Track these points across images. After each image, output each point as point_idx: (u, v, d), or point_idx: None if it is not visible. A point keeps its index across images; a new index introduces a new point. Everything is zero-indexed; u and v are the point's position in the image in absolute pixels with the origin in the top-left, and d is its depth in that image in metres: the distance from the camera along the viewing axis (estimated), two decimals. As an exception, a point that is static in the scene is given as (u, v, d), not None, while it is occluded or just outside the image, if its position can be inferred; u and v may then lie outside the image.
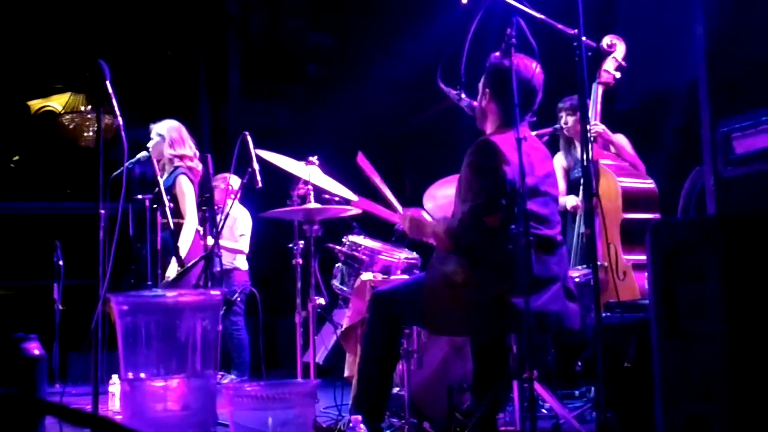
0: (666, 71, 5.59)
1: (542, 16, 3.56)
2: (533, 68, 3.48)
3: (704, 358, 2.63)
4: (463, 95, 3.79)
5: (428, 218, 3.70)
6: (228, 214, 4.72)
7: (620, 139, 5.14)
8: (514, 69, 3.31)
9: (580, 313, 3.59)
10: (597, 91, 4.99)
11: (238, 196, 5.49)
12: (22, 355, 3.15)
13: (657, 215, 4.87)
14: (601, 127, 4.98)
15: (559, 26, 3.52)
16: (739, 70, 3.04)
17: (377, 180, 3.90)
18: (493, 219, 3.34)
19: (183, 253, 5.12)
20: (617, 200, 4.82)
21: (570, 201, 5.14)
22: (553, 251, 3.44)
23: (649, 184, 4.96)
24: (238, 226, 6.78)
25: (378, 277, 4.31)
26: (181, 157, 5.46)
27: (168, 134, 5.46)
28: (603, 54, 4.99)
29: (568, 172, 5.36)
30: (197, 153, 5.57)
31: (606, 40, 4.99)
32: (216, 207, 4.72)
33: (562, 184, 5.28)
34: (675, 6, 5.09)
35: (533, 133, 3.91)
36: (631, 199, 4.84)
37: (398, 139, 9.74)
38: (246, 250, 6.80)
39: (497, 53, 3.55)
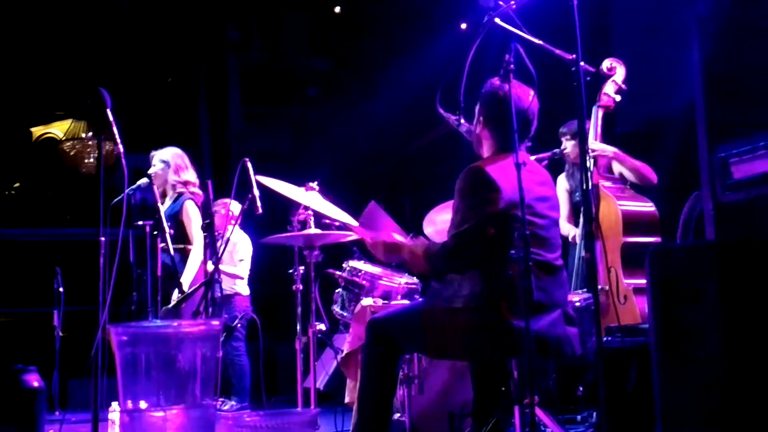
0: (663, 96, 5.60)
1: (540, 42, 3.57)
2: (528, 97, 3.48)
3: (704, 383, 2.63)
4: (462, 120, 3.79)
5: (400, 239, 3.66)
6: (228, 240, 4.73)
7: (616, 151, 5.07)
8: (513, 97, 3.32)
9: (581, 337, 3.58)
10: (597, 115, 4.99)
11: (239, 221, 5.50)
12: (22, 387, 3.14)
13: (658, 239, 4.84)
14: (598, 146, 4.94)
15: (557, 51, 3.53)
16: (736, 96, 3.05)
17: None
18: (475, 248, 3.33)
19: (191, 276, 5.12)
20: (618, 224, 4.79)
21: (573, 231, 5.13)
22: (552, 276, 3.43)
23: (649, 207, 4.94)
24: (238, 251, 6.77)
25: (378, 303, 4.31)
26: (185, 183, 5.48)
27: (173, 161, 5.48)
28: (603, 77, 4.99)
29: (571, 194, 5.35)
30: (197, 180, 5.59)
31: (606, 64, 5.00)
32: (217, 233, 4.72)
33: (566, 208, 5.27)
34: (670, 31, 5.12)
35: (533, 158, 3.91)
36: (632, 223, 4.81)
37: (398, 163, 9.76)
38: (245, 275, 6.79)
39: (493, 79, 3.56)
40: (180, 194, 5.46)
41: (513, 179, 3.22)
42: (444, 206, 4.54)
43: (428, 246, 3.48)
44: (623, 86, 4.99)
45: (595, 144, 4.95)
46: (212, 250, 4.66)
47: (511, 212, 3.26)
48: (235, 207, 5.69)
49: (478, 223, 3.31)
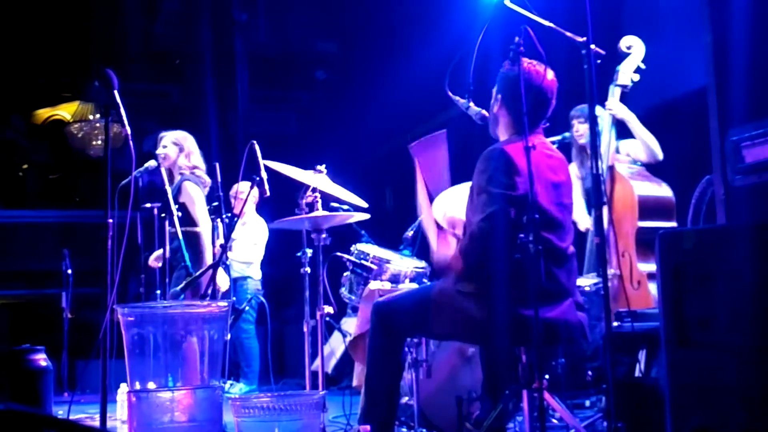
0: (674, 80, 5.55)
1: (551, 24, 3.54)
2: (544, 74, 3.44)
3: (713, 368, 2.61)
4: (470, 104, 3.77)
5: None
6: (241, 221, 4.72)
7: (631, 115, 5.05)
8: (525, 76, 3.28)
9: (591, 322, 3.56)
10: (614, 94, 4.89)
11: (255, 203, 5.48)
12: (29, 366, 3.15)
13: (674, 223, 4.73)
14: (615, 105, 4.88)
15: (568, 34, 3.49)
16: (749, 79, 3.02)
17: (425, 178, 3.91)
18: (502, 231, 3.28)
19: (208, 259, 5.10)
20: (633, 208, 4.70)
21: (585, 222, 5.09)
22: (563, 265, 3.38)
23: (665, 190, 4.83)
24: (253, 235, 6.78)
25: (386, 286, 4.30)
26: (193, 168, 5.47)
27: (186, 145, 5.48)
28: (621, 56, 4.90)
29: (583, 181, 5.29)
30: (204, 165, 5.59)
31: (624, 42, 4.88)
32: (233, 216, 4.71)
33: (578, 194, 5.22)
34: (683, 14, 5.07)
35: (549, 140, 3.86)
36: (648, 207, 4.70)
37: (406, 146, 9.71)
38: (258, 259, 6.80)
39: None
40: (180, 174, 5.45)
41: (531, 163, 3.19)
42: (453, 189, 4.52)
43: (460, 245, 3.44)
44: (641, 65, 4.88)
45: (612, 102, 4.88)
46: (225, 233, 4.66)
47: (528, 197, 3.22)
48: (246, 188, 5.71)
49: (504, 206, 3.25)
